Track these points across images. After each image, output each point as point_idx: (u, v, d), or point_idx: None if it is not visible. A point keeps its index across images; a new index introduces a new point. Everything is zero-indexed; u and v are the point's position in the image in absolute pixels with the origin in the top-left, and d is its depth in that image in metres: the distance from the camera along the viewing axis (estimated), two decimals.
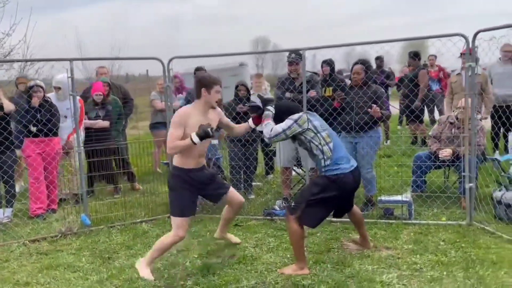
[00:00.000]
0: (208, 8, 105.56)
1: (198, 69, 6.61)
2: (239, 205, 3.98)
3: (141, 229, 4.79)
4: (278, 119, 3.67)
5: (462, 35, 4.21)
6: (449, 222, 4.45)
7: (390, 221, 4.57)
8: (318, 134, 3.51)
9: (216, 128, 3.63)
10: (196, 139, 3.39)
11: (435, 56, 9.38)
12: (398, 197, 4.67)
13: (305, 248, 3.65)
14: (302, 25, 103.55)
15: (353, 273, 3.45)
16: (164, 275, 3.63)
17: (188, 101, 6.49)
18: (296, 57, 4.91)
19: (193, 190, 3.62)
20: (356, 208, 3.88)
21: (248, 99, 5.63)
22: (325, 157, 3.50)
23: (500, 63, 6.47)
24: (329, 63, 6.57)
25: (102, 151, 5.36)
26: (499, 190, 4.56)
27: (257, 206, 5.38)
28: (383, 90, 5.02)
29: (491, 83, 6.52)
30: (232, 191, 3.90)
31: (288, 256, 3.86)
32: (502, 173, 4.86)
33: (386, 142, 8.74)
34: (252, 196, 5.75)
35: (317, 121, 3.59)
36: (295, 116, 3.56)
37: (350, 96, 4.78)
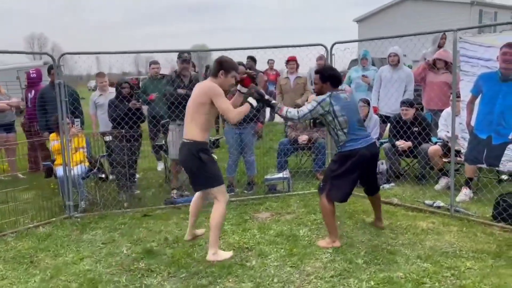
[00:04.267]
0: None
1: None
2: (205, 199, 4.05)
3: (43, 233, 4.49)
4: (324, 80, 3.90)
5: (323, 45, 5.48)
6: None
7: (276, 194, 5.54)
8: (335, 120, 3.76)
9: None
10: (254, 103, 3.67)
11: (273, 60, 10.78)
12: (280, 175, 5.69)
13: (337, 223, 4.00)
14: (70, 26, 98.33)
15: (277, 233, 4.25)
16: (112, 264, 3.70)
17: (41, 103, 6.12)
18: (189, 56, 5.39)
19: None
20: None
21: (132, 96, 5.72)
22: (339, 140, 3.82)
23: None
24: (194, 63, 7.23)
25: None
26: None
27: (151, 198, 5.61)
28: None
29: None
30: None
31: None
32: None
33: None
34: (138, 191, 5.89)
35: (338, 106, 3.76)
36: (320, 98, 3.83)
37: None
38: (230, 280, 3.35)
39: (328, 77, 3.91)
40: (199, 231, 4.24)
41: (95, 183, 5.59)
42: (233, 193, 5.66)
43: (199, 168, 3.61)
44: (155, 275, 3.48)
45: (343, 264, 3.52)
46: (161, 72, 7.05)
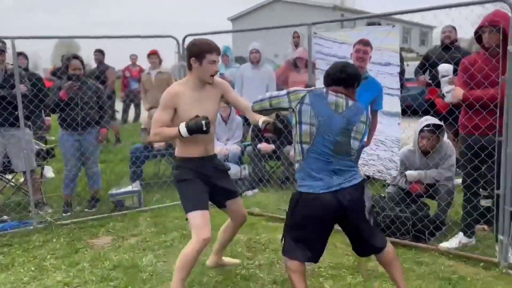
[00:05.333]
0: None
1: None
2: (243, 220, 3.17)
3: None
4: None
5: (174, 37, 4.81)
6: (175, 202, 4.98)
7: (124, 212, 4.71)
8: (297, 125, 2.45)
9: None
10: (184, 131, 2.69)
11: (136, 56, 9.83)
12: (129, 188, 4.87)
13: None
14: None
15: (114, 265, 3.46)
16: None
17: None
18: (4, 46, 4.25)
19: (201, 182, 2.84)
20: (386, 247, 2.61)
21: None
22: (296, 158, 2.51)
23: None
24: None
25: None
26: None
27: None
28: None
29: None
30: (239, 200, 3.12)
31: (33, 268, 3.43)
32: None
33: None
34: None
35: (311, 107, 2.42)
36: (293, 88, 2.57)
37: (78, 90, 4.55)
38: None
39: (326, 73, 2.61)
40: (229, 260, 3.44)
41: None
42: (68, 214, 4.70)
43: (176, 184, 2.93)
44: None
45: None
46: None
